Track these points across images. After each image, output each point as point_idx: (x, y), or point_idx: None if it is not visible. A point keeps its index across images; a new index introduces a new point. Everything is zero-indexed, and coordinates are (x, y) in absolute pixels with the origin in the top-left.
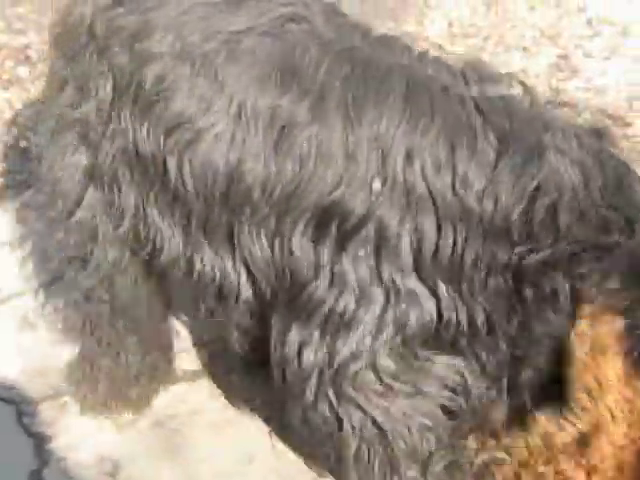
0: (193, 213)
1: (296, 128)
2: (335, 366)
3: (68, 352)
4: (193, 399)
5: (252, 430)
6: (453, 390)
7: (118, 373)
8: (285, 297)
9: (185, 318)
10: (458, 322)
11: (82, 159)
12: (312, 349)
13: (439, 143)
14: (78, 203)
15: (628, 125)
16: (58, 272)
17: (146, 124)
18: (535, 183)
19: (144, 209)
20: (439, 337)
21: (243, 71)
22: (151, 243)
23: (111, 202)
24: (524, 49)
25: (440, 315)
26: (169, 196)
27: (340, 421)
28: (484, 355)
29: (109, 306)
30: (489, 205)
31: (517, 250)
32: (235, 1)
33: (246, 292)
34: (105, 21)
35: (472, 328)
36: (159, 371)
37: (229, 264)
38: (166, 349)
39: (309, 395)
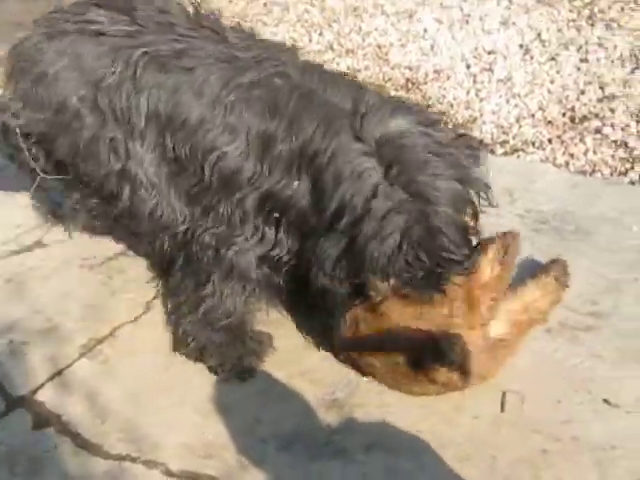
0: (215, 196)
1: (273, 146)
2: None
3: None
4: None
5: None
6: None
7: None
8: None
9: None
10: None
11: (117, 165)
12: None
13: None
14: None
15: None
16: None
17: (188, 147)
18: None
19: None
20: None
21: (252, 111)
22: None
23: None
24: None
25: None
26: (201, 187)
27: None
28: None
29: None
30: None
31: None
32: (244, 66)
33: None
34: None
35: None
36: None
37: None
38: None
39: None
